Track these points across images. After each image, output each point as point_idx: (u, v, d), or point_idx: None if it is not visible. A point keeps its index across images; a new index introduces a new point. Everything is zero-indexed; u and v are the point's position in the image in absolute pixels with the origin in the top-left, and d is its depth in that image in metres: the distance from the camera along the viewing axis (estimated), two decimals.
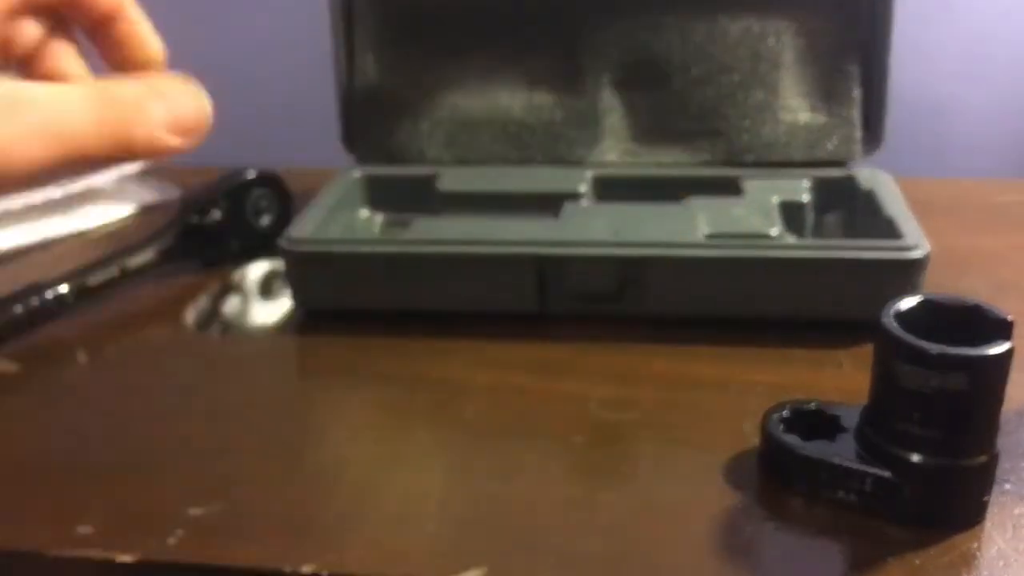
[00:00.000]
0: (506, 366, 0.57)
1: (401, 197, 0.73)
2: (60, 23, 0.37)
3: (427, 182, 0.72)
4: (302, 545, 0.42)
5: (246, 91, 1.08)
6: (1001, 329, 0.41)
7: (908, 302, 0.43)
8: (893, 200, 0.65)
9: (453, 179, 0.72)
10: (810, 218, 0.69)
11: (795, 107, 0.73)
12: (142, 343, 0.62)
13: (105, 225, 0.81)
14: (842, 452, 0.44)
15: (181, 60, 1.09)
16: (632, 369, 0.56)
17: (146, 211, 0.84)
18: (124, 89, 0.34)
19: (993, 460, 0.42)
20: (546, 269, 0.60)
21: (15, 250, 0.75)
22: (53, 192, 0.78)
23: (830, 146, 0.72)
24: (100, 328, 0.64)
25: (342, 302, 0.63)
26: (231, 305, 0.65)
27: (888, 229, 0.61)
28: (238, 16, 1.06)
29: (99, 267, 0.65)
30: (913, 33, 0.93)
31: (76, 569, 0.43)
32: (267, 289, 0.68)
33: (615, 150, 0.74)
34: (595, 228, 0.63)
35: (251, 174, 0.72)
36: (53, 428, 0.53)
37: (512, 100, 0.75)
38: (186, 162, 0.91)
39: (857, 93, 0.72)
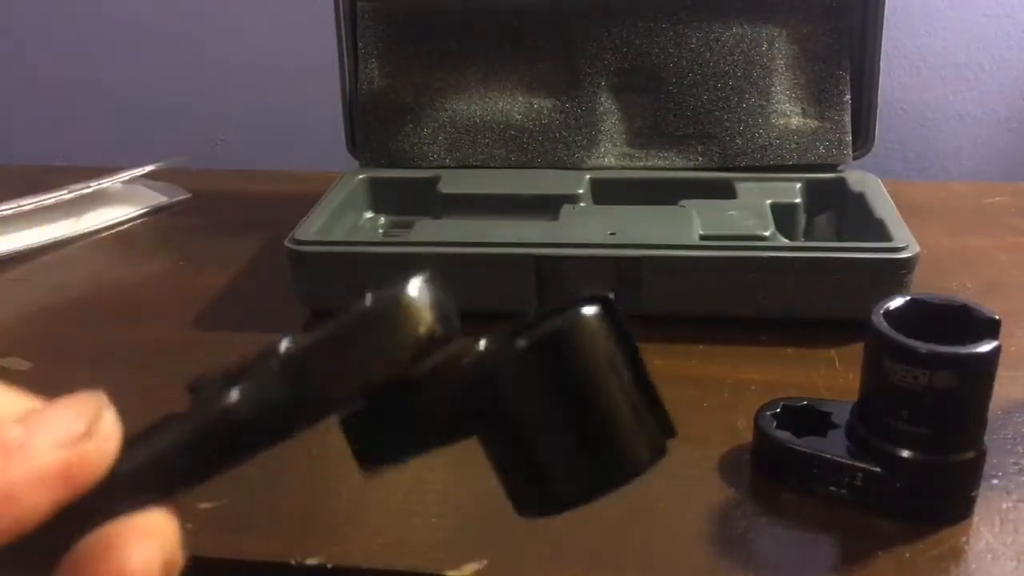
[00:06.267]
0: None
1: (403, 199, 0.74)
2: None
3: (429, 185, 0.73)
4: (308, 538, 0.43)
5: (254, 97, 1.09)
6: (989, 328, 0.42)
7: (897, 301, 0.44)
8: (883, 202, 0.66)
9: (454, 182, 0.73)
10: (802, 220, 0.70)
11: (787, 112, 0.74)
12: (150, 342, 0.63)
13: (115, 226, 0.82)
14: (833, 448, 0.45)
15: (190, 71, 1.10)
16: None
17: (155, 212, 0.85)
18: None
19: (981, 456, 0.43)
20: (544, 269, 0.61)
21: (26, 250, 0.76)
22: (63, 194, 0.79)
23: (821, 149, 0.72)
24: (108, 327, 0.65)
25: (346, 302, 0.63)
26: None
27: (878, 230, 0.62)
28: (246, 27, 1.07)
29: None
30: (902, 40, 0.95)
31: None
32: None
33: (612, 153, 0.75)
34: (592, 229, 0.64)
35: None
36: None
37: (512, 105, 0.76)
38: (197, 165, 0.92)
39: (848, 98, 0.73)
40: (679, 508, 0.45)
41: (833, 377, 0.55)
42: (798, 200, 0.70)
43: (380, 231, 0.74)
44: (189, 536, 0.44)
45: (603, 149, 0.75)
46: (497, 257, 0.61)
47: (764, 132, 0.73)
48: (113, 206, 0.83)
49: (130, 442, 0.25)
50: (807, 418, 0.47)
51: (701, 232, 0.63)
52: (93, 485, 0.23)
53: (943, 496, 0.44)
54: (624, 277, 0.60)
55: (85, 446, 0.24)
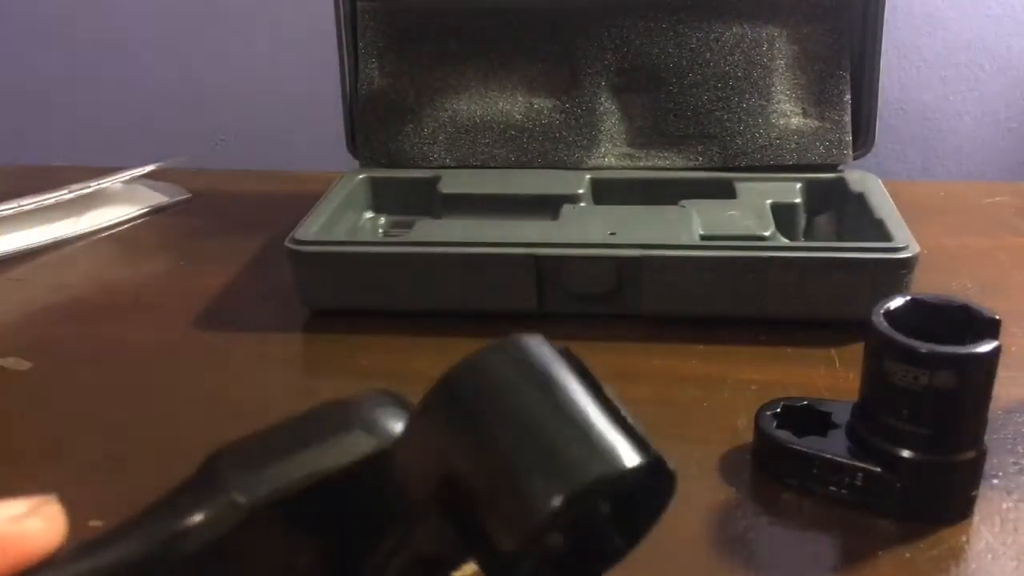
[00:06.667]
0: None
1: (404, 199, 0.74)
2: None
3: (429, 185, 0.73)
4: None
5: (254, 97, 1.09)
6: (989, 328, 0.42)
7: (897, 301, 0.44)
8: (883, 202, 0.66)
9: (454, 182, 0.73)
10: (802, 220, 0.70)
11: (787, 112, 0.74)
12: (150, 342, 0.63)
13: (115, 226, 0.82)
14: (833, 448, 0.45)
15: (190, 71, 1.10)
16: (629, 367, 0.57)
17: (155, 212, 0.85)
18: None
19: (981, 456, 0.43)
20: (545, 269, 0.61)
21: (26, 250, 0.76)
22: (63, 193, 0.79)
23: (821, 149, 0.72)
24: (108, 327, 0.65)
25: (346, 301, 0.63)
26: None
27: (878, 230, 0.62)
28: (246, 27, 1.07)
29: None
30: (903, 40, 0.95)
31: None
32: None
33: (612, 153, 0.75)
34: (593, 229, 0.64)
35: None
36: (64, 424, 0.54)
37: (512, 105, 0.76)
38: (197, 165, 0.92)
39: (848, 98, 0.73)
40: (679, 508, 0.45)
41: (833, 377, 0.55)
42: (798, 200, 0.70)
43: (380, 231, 0.74)
44: None
45: (603, 149, 0.75)
46: (497, 257, 0.61)
47: (764, 132, 0.73)
48: (113, 206, 0.83)
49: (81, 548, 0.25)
50: (807, 418, 0.47)
51: (701, 232, 0.64)
52: (28, 565, 0.24)
53: (943, 496, 0.44)
54: (624, 277, 0.61)
55: (24, 523, 0.25)
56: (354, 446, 0.25)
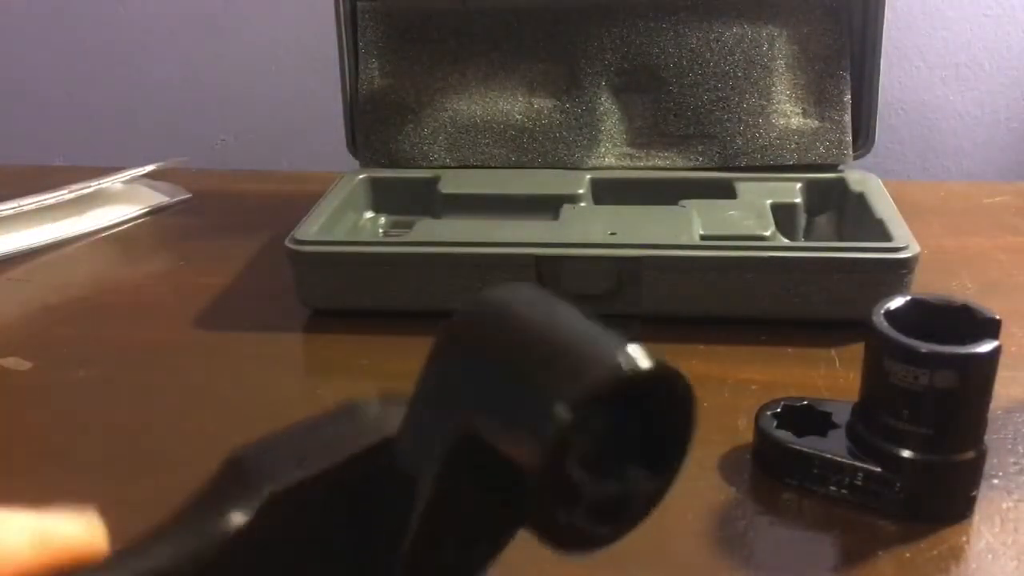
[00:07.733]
0: None
1: (404, 199, 0.74)
2: None
3: (429, 185, 0.73)
4: None
5: (254, 97, 1.09)
6: (989, 328, 0.42)
7: (897, 301, 0.44)
8: (883, 202, 0.66)
9: (454, 182, 0.73)
10: (802, 220, 0.70)
11: (787, 112, 0.74)
12: (150, 342, 0.63)
13: (115, 226, 0.82)
14: (833, 447, 0.45)
15: (190, 71, 1.10)
16: None
17: (155, 212, 0.85)
18: None
19: (981, 456, 0.43)
20: (545, 269, 0.61)
21: (26, 250, 0.76)
22: (63, 193, 0.79)
23: (821, 149, 0.72)
24: (108, 327, 0.65)
25: (346, 301, 0.63)
26: None
27: (878, 230, 0.62)
28: (246, 27, 1.07)
29: None
30: (903, 40, 0.95)
31: None
32: None
33: (612, 154, 0.75)
34: (593, 229, 0.64)
35: None
36: (64, 424, 0.54)
37: (512, 105, 0.76)
38: (197, 165, 0.92)
39: (848, 98, 0.73)
40: (679, 508, 0.45)
41: (833, 377, 0.55)
42: (798, 200, 0.70)
43: (380, 231, 0.74)
44: None
45: (603, 149, 0.75)
46: (497, 257, 0.61)
47: (764, 132, 0.73)
48: (113, 206, 0.83)
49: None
50: (807, 418, 0.47)
51: (701, 232, 0.64)
52: (71, 565, 0.24)
53: (943, 496, 0.44)
54: (624, 277, 0.61)
55: (64, 522, 0.24)
56: (364, 435, 0.25)
